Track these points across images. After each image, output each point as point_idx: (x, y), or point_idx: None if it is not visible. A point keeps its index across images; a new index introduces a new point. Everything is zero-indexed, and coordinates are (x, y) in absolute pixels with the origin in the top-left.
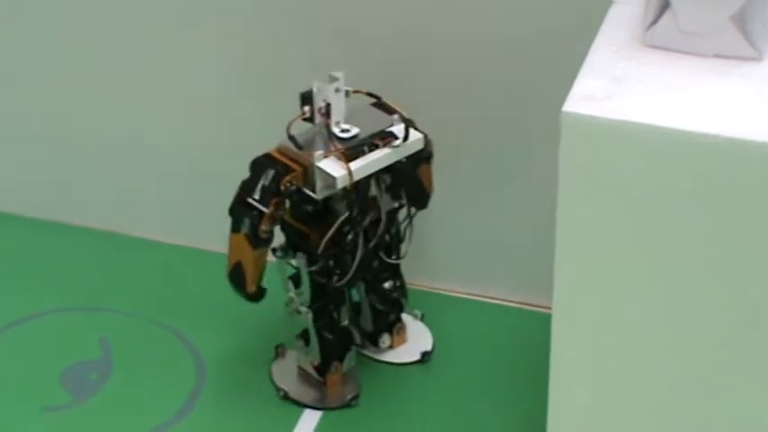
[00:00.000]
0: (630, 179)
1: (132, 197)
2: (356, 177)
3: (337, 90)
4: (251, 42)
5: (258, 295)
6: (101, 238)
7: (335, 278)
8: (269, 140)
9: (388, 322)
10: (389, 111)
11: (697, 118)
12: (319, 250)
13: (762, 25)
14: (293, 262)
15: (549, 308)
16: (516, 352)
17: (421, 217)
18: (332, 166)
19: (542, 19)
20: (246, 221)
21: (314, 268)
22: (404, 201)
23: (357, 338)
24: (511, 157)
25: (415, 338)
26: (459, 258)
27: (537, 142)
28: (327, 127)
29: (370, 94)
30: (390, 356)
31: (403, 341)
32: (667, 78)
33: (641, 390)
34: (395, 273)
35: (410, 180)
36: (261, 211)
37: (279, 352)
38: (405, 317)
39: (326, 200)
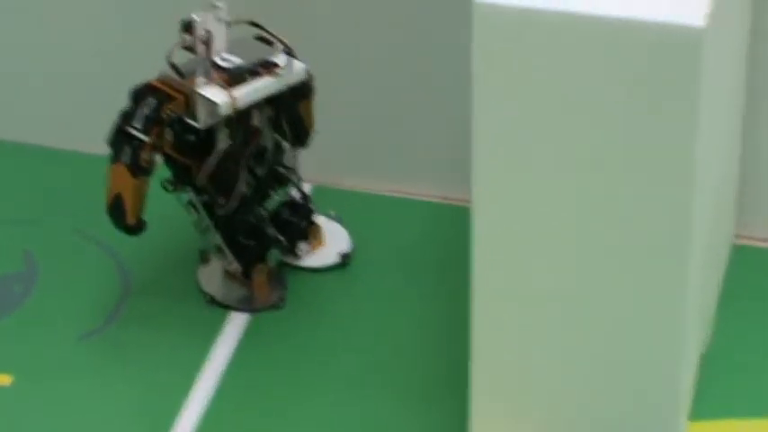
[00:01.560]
0: (541, 66)
1: (47, 105)
2: (239, 104)
3: (219, 19)
4: None
5: (138, 227)
6: (18, 151)
7: (218, 206)
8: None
9: (300, 230)
10: (270, 43)
11: (605, 3)
12: (199, 183)
13: None
14: (184, 196)
15: (467, 201)
16: (435, 246)
17: (335, 110)
18: (214, 93)
19: None
20: (127, 150)
21: (203, 198)
22: (285, 138)
23: (273, 233)
24: (415, 54)
25: (333, 240)
26: (373, 154)
27: (443, 38)
28: (209, 57)
29: (252, 23)
30: (310, 261)
31: (320, 243)
32: None
33: (553, 276)
34: (294, 184)
35: (292, 114)
36: (141, 140)
37: (203, 257)
38: (319, 219)
39: (209, 131)
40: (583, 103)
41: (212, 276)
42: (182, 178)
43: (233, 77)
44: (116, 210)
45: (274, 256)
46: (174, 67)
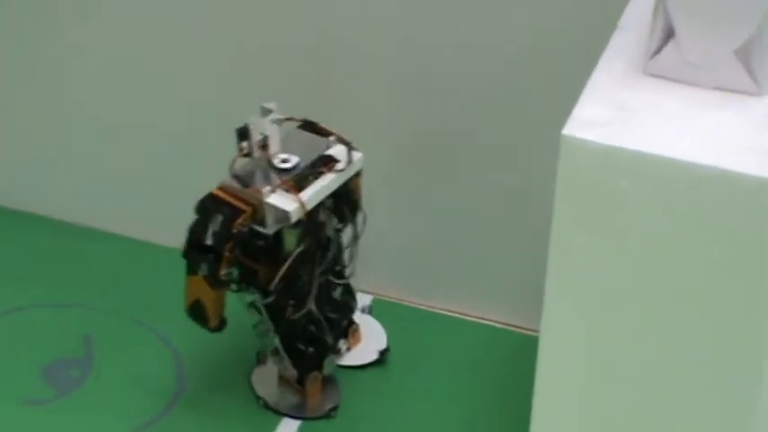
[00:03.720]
0: (626, 206)
1: (114, 194)
2: (308, 208)
3: (272, 121)
4: None
5: (221, 327)
6: (83, 234)
7: (290, 310)
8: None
9: (342, 328)
10: (321, 133)
11: (695, 149)
12: (272, 286)
13: (765, 61)
14: (247, 297)
15: (515, 326)
16: (467, 364)
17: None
18: (282, 200)
19: (543, 39)
20: (203, 266)
21: (269, 301)
22: (346, 221)
23: (331, 341)
24: (500, 171)
25: (369, 335)
26: (431, 271)
27: (533, 163)
28: (268, 160)
29: (305, 121)
30: (349, 359)
31: (358, 341)
32: (668, 108)
33: (627, 420)
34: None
35: (348, 198)
36: (217, 254)
37: (260, 359)
38: (355, 316)
39: (275, 234)
40: (667, 246)
41: (267, 379)
42: (248, 280)
43: (297, 180)
44: (197, 313)
45: (331, 364)
46: (237, 177)
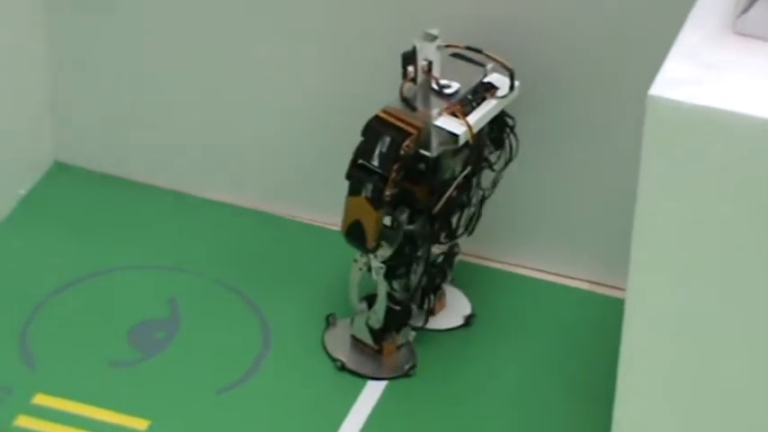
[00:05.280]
0: (716, 168)
1: (205, 159)
2: (475, 131)
3: (437, 47)
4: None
5: (377, 248)
6: (173, 198)
7: (443, 235)
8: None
9: (433, 285)
10: (475, 62)
11: None
12: (436, 209)
13: None
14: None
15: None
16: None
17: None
18: (449, 124)
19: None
20: (368, 186)
21: (412, 227)
22: (503, 147)
23: (414, 314)
24: (587, 134)
25: (453, 303)
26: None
27: (618, 123)
28: (431, 85)
29: (469, 48)
30: (433, 323)
31: (443, 306)
32: (758, 67)
33: (714, 386)
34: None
35: (504, 127)
36: (382, 176)
37: (330, 321)
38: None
39: (437, 157)
40: (762, 211)
41: (340, 342)
42: (401, 201)
43: (462, 105)
44: (355, 234)
45: (406, 334)
46: (406, 100)
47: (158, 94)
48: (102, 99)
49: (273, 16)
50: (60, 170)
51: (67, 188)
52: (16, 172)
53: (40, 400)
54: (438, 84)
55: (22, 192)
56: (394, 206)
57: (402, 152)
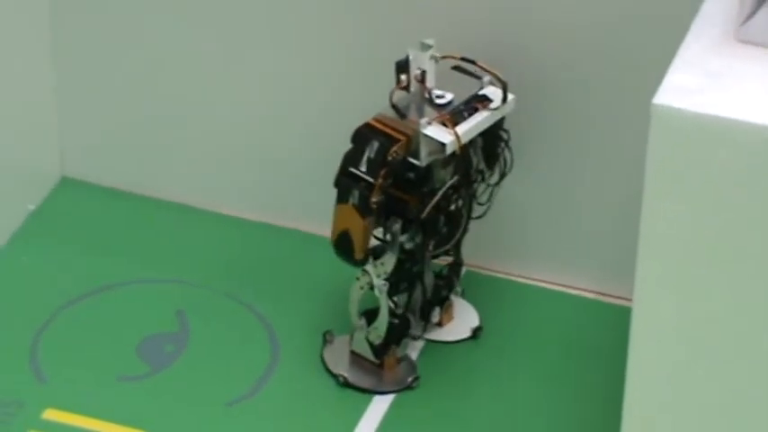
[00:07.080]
0: (720, 175)
1: (211, 173)
2: (463, 142)
3: (431, 57)
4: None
5: (365, 261)
6: (178, 211)
7: (432, 244)
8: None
9: (440, 297)
10: (472, 75)
11: None
12: (423, 215)
13: None
14: (377, 233)
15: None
16: (560, 337)
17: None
18: (438, 133)
19: (633, 7)
20: (355, 192)
21: (405, 237)
22: (496, 160)
23: (413, 325)
24: (591, 141)
25: (461, 315)
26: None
27: (623, 134)
28: (424, 94)
29: (464, 59)
30: (440, 335)
31: (450, 318)
32: (761, 74)
33: (721, 394)
34: (456, 250)
35: (498, 137)
36: (369, 183)
37: (327, 339)
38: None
39: (427, 166)
40: (765, 216)
41: (339, 358)
42: (393, 210)
43: (453, 114)
44: (343, 245)
45: (405, 346)
46: (395, 108)
47: (164, 111)
48: (108, 115)
49: (279, 30)
50: (68, 185)
51: (75, 203)
52: (25, 187)
53: (50, 414)
54: (431, 94)
55: (32, 207)
56: (386, 217)
57: (389, 158)
